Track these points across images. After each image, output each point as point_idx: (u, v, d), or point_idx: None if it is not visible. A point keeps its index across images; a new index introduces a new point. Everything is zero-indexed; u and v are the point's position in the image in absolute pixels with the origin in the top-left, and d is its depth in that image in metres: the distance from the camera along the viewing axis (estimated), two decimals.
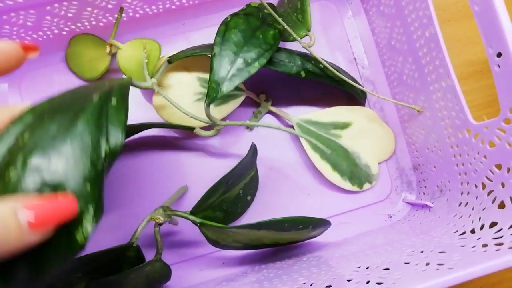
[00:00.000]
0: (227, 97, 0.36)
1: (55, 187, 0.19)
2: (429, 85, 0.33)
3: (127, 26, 0.38)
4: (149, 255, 0.33)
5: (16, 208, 0.17)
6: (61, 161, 0.20)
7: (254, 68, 0.30)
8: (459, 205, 0.32)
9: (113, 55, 0.37)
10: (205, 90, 0.36)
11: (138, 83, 0.31)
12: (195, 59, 0.36)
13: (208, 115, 0.31)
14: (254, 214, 0.37)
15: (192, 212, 0.30)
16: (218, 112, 0.37)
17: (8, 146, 0.19)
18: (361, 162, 0.38)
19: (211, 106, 0.36)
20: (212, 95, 0.30)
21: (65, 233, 0.19)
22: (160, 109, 0.35)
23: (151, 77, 0.34)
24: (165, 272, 0.32)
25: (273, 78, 0.39)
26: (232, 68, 0.30)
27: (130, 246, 0.31)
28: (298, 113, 0.38)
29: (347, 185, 0.37)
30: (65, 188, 0.19)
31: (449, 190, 0.33)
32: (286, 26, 0.32)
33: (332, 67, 0.34)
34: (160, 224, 0.31)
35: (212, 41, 0.33)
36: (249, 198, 0.36)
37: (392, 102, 0.39)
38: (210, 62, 0.30)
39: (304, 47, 0.33)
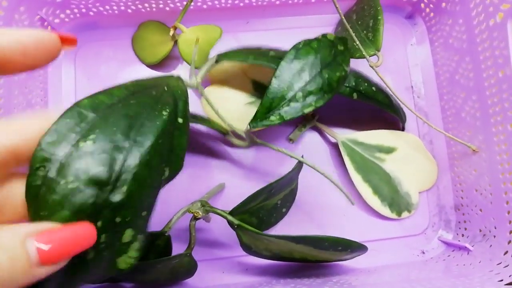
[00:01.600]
0: None
1: (114, 209, 0.17)
2: (491, 126, 0.32)
3: (192, 15, 0.38)
4: (174, 248, 0.32)
5: (27, 237, 0.15)
6: (127, 179, 0.17)
7: (309, 108, 0.28)
8: (505, 253, 0.30)
9: (175, 42, 0.36)
10: (258, 96, 0.36)
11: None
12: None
13: (247, 134, 0.29)
14: (284, 227, 0.36)
15: (230, 213, 0.30)
16: None
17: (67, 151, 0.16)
18: (402, 190, 0.37)
19: None
20: (258, 120, 0.27)
21: (107, 258, 0.18)
22: (206, 104, 0.35)
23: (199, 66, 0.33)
24: (191, 268, 0.31)
25: None
26: (287, 101, 0.28)
27: (162, 235, 0.30)
28: (341, 131, 0.38)
29: (385, 211, 0.36)
30: (125, 216, 0.17)
31: (494, 236, 0.32)
32: (357, 42, 0.31)
33: (384, 91, 0.33)
34: (197, 219, 0.30)
35: (269, 45, 0.32)
36: (284, 210, 0.35)
37: (444, 137, 0.38)
38: (268, 84, 0.28)
39: (371, 66, 0.32)
